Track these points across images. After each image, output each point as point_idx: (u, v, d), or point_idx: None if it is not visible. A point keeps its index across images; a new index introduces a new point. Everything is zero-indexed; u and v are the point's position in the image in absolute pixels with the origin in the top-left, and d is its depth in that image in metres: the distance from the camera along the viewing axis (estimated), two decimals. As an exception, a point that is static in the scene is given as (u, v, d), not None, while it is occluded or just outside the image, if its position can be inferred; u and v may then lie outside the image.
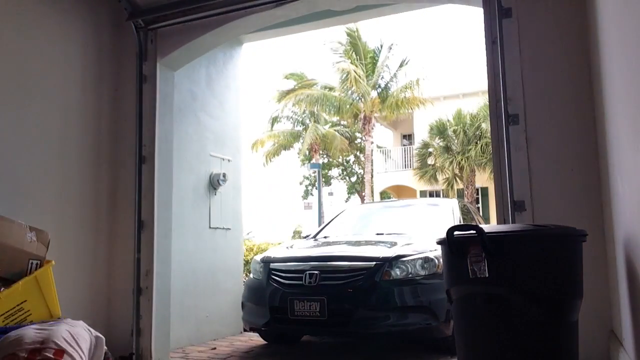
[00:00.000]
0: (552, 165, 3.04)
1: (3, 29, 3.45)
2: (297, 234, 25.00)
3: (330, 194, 30.49)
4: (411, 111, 21.01)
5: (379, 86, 21.21)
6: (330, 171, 29.13)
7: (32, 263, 2.96)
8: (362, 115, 21.07)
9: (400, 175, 22.58)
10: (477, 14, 3.51)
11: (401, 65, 21.01)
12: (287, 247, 4.85)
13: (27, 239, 2.96)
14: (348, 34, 20.67)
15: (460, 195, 19.17)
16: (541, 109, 3.08)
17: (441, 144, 19.55)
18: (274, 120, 24.21)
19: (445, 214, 5.14)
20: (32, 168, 3.59)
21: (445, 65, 38.51)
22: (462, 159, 18.80)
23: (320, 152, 24.72)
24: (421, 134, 20.84)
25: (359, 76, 20.10)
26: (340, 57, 20.99)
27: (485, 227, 1.94)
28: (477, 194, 19.93)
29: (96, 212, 4.07)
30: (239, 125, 5.80)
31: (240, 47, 5.89)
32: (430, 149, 20.04)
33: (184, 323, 4.67)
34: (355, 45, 20.87)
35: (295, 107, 22.51)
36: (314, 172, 23.84)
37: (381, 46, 21.54)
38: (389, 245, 4.17)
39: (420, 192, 21.33)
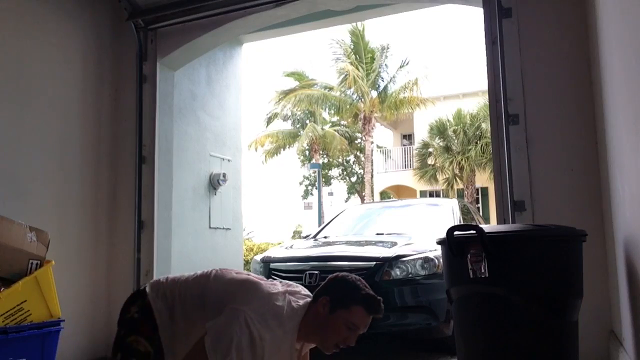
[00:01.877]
0: (552, 165, 3.04)
1: (3, 30, 3.45)
2: (297, 234, 24.99)
3: (330, 194, 30.50)
4: (411, 111, 21.00)
5: (379, 86, 21.21)
6: (330, 171, 29.11)
7: (32, 263, 2.95)
8: (362, 115, 21.06)
9: (400, 175, 22.57)
10: (477, 14, 3.51)
11: (401, 66, 21.02)
12: (287, 247, 4.85)
13: (27, 239, 2.96)
14: (351, 33, 20.67)
15: (460, 195, 19.16)
16: (541, 109, 3.08)
17: (441, 144, 19.53)
18: (270, 119, 24.18)
19: (445, 214, 5.14)
20: (32, 168, 3.59)
21: (445, 65, 38.50)
22: (462, 159, 18.79)
23: (320, 152, 24.71)
24: (421, 134, 20.82)
25: (359, 76, 20.10)
26: (341, 56, 20.98)
27: (485, 227, 1.94)
28: (477, 194, 19.92)
29: (96, 212, 4.07)
30: (239, 125, 5.80)
31: (240, 47, 5.88)
32: (430, 149, 20.02)
33: (184, 323, 4.67)
34: (357, 45, 20.87)
35: (295, 107, 22.49)
36: (314, 172, 23.83)
37: (381, 46, 21.55)
38: (389, 245, 4.17)
39: (420, 192, 21.32)
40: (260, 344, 1.70)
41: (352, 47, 20.89)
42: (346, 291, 1.83)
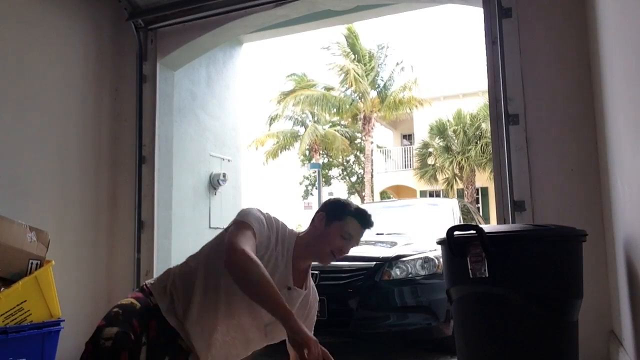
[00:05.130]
0: (552, 165, 3.04)
1: (3, 29, 3.45)
2: (297, 234, 24.85)
3: (330, 194, 30.47)
4: (410, 111, 21.02)
5: (378, 86, 21.23)
6: (330, 171, 29.12)
7: (32, 263, 2.96)
8: (361, 115, 21.08)
9: (400, 175, 22.58)
10: (477, 14, 3.51)
11: (399, 65, 21.06)
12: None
13: (27, 239, 2.96)
14: (347, 36, 20.72)
15: (460, 195, 19.17)
16: (541, 109, 3.08)
17: (441, 144, 19.54)
18: (272, 119, 24.20)
19: (445, 214, 5.14)
20: (32, 168, 3.59)
21: (445, 65, 38.54)
22: (462, 159, 18.80)
23: (321, 152, 24.72)
24: (421, 134, 20.83)
25: (358, 75, 20.11)
26: (340, 56, 21.01)
27: (485, 227, 1.94)
28: (477, 194, 19.92)
29: (96, 212, 4.06)
30: (239, 125, 5.80)
31: (240, 47, 5.89)
32: (430, 149, 20.03)
33: (184, 323, 4.66)
34: (353, 45, 20.90)
35: (295, 108, 22.51)
36: (314, 172, 23.84)
37: (380, 46, 21.58)
38: (389, 245, 4.17)
39: (420, 192, 21.33)
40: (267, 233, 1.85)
41: (349, 47, 20.93)
42: (340, 206, 1.98)
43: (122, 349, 1.66)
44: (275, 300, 1.60)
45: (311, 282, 2.08)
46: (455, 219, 5.03)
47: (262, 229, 1.83)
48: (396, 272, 3.80)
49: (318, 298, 2.11)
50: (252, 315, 1.85)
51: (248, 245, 1.70)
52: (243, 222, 1.80)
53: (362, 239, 1.99)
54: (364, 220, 1.94)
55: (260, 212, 1.91)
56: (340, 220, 1.92)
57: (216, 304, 1.81)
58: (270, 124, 24.26)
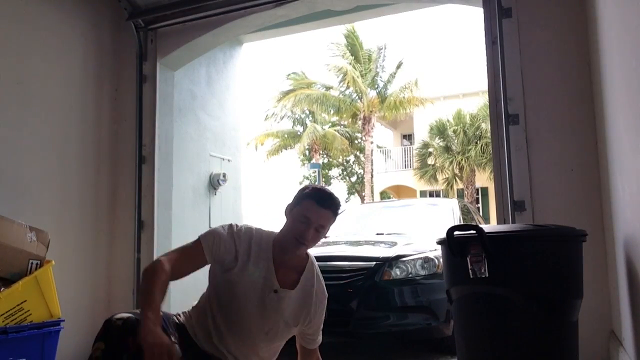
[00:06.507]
0: (552, 165, 3.04)
1: (3, 29, 3.45)
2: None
3: (330, 194, 30.44)
4: (410, 111, 21.02)
5: (378, 86, 21.23)
6: (330, 171, 29.11)
7: (32, 263, 2.95)
8: (361, 115, 21.08)
9: (400, 175, 22.58)
10: (477, 14, 3.51)
11: (399, 66, 21.05)
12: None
13: (27, 239, 2.96)
14: (347, 36, 20.72)
15: (460, 195, 19.17)
16: (541, 109, 3.08)
17: (441, 144, 19.55)
18: (268, 117, 24.24)
19: (445, 214, 5.14)
20: (32, 168, 3.58)
21: (445, 65, 38.54)
22: (462, 159, 18.80)
23: (321, 152, 24.72)
24: (421, 134, 20.84)
25: (357, 75, 20.10)
26: (339, 56, 21.01)
27: (485, 227, 1.94)
28: (477, 194, 19.92)
29: (96, 212, 4.06)
30: (239, 125, 5.80)
31: (240, 47, 5.89)
32: (430, 149, 20.03)
33: (184, 323, 4.66)
34: (353, 46, 20.90)
35: (295, 107, 22.50)
36: (314, 172, 23.84)
37: (379, 46, 21.60)
38: (389, 245, 4.17)
39: (420, 192, 21.33)
40: (240, 244, 1.96)
41: (348, 47, 20.92)
42: (299, 192, 2.02)
43: (131, 332, 1.67)
44: (144, 303, 1.67)
45: (318, 279, 2.09)
46: (455, 219, 5.03)
47: (220, 243, 1.95)
48: (396, 272, 3.80)
49: (326, 295, 2.12)
50: (248, 343, 2.00)
51: (172, 260, 1.89)
52: (198, 239, 2.01)
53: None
54: (318, 198, 1.93)
55: (229, 227, 2.02)
56: (298, 204, 1.96)
57: (221, 337, 1.99)
58: (266, 119, 24.29)
